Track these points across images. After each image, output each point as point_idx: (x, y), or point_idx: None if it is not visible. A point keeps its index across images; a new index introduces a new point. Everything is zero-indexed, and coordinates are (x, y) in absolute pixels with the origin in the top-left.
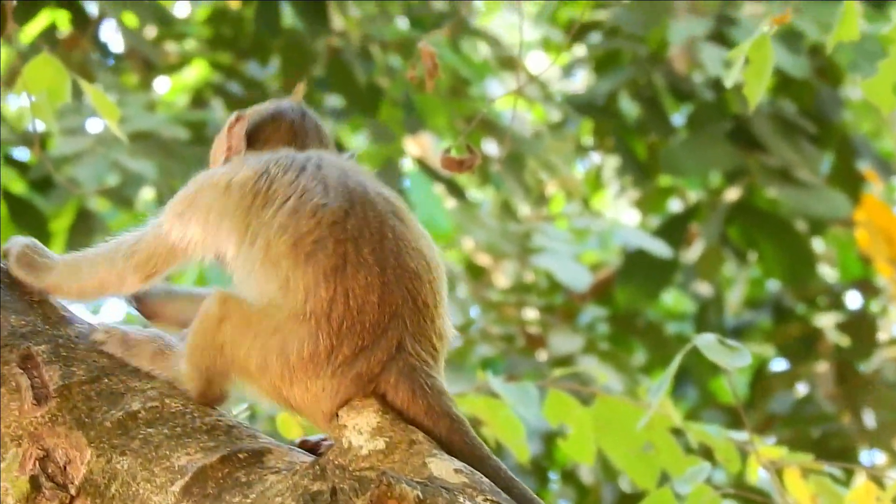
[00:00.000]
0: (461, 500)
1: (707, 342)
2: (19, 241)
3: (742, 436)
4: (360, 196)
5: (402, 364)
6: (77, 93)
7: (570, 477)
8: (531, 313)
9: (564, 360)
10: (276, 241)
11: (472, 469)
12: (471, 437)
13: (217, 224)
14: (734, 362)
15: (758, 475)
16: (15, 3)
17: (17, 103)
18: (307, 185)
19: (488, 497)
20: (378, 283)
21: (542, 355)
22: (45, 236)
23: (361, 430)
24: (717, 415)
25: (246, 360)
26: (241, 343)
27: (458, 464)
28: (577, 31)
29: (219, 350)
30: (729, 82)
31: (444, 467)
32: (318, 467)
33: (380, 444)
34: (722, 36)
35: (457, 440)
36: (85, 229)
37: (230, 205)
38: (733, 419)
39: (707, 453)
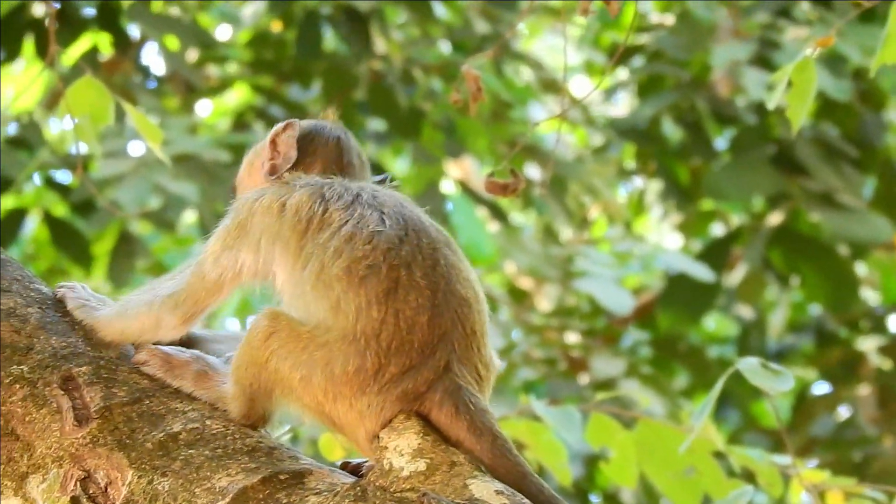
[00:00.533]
0: None
1: (750, 366)
2: (69, 288)
3: (784, 459)
4: (415, 223)
5: (447, 383)
6: (119, 115)
7: (611, 500)
8: (573, 337)
9: (606, 384)
10: (329, 265)
11: (512, 491)
12: (513, 455)
13: (270, 248)
14: (777, 386)
15: (800, 499)
16: (57, 25)
17: (58, 126)
18: (363, 212)
19: None
20: (428, 305)
21: (583, 379)
22: (86, 259)
23: (402, 452)
24: (759, 438)
25: (290, 374)
26: (288, 356)
27: (499, 485)
28: (621, 55)
29: (264, 364)
30: (771, 105)
31: (485, 489)
32: (359, 489)
33: (421, 465)
34: (765, 60)
35: (499, 457)
36: (126, 252)
37: (284, 228)
38: (775, 442)
39: (749, 477)
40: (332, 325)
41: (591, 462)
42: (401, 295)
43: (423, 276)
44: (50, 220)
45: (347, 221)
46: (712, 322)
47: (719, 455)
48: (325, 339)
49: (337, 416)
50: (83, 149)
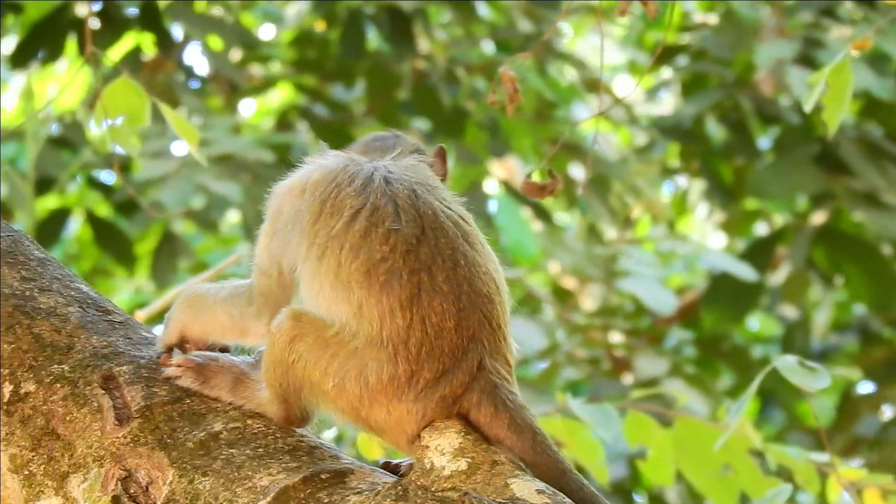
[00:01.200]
0: None
1: (787, 364)
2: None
3: (822, 457)
4: (431, 221)
5: (483, 383)
6: (161, 116)
7: (656, 500)
8: (617, 337)
9: (650, 384)
10: (347, 264)
11: (553, 490)
12: (553, 452)
13: (290, 231)
14: (814, 384)
15: (839, 497)
16: (98, 26)
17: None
18: (376, 202)
19: None
20: (454, 310)
21: (627, 379)
22: (129, 259)
23: (444, 451)
24: (802, 438)
25: (322, 380)
26: (317, 363)
27: (540, 484)
28: (665, 55)
29: (290, 366)
30: (808, 107)
31: (526, 487)
32: (400, 488)
33: (462, 464)
34: (808, 59)
35: (540, 454)
36: (169, 252)
37: (303, 209)
38: (819, 442)
39: (788, 475)
40: (357, 329)
41: (634, 462)
42: (425, 301)
43: (444, 279)
44: (93, 219)
45: (359, 211)
46: (756, 322)
47: (757, 453)
48: (354, 346)
49: (374, 421)
50: (121, 149)
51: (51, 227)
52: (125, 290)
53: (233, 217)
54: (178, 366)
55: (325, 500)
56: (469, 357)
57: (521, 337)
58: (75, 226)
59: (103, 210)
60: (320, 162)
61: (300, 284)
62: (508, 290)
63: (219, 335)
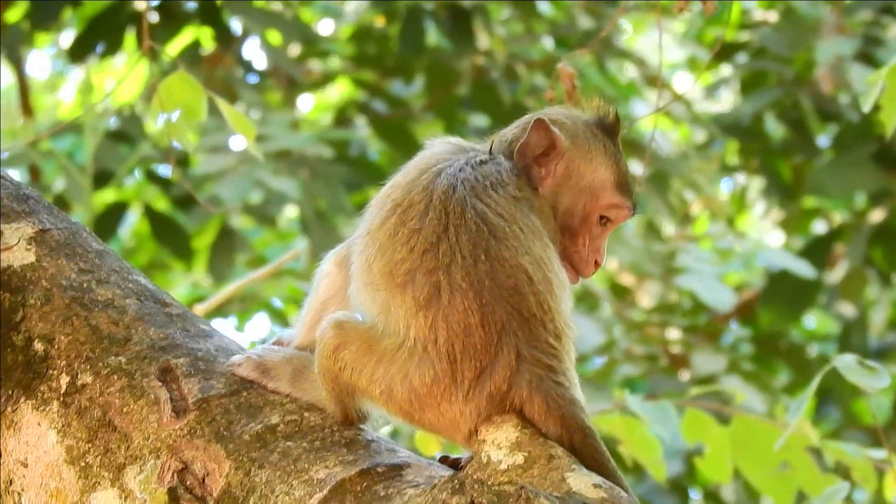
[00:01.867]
0: None
1: (846, 363)
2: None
3: (880, 454)
4: (456, 217)
5: (528, 376)
6: (219, 111)
7: (712, 497)
8: (674, 333)
9: (707, 381)
10: (374, 264)
11: (610, 484)
12: (601, 452)
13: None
14: (873, 384)
15: None
16: (156, 20)
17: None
18: (413, 198)
19: None
20: (476, 307)
21: (684, 375)
22: (187, 253)
23: (500, 445)
24: (859, 436)
25: (369, 388)
26: (363, 371)
27: (597, 478)
28: (724, 52)
29: (338, 373)
30: (866, 108)
31: (582, 482)
32: (456, 481)
33: (519, 458)
34: (868, 56)
35: (588, 454)
36: (227, 247)
37: (372, 201)
38: (876, 440)
39: (845, 473)
40: (386, 329)
41: (691, 458)
42: (444, 299)
43: (463, 277)
44: (151, 213)
45: (397, 208)
46: (813, 320)
47: (814, 451)
48: (394, 352)
49: (427, 422)
50: (178, 144)
51: (108, 221)
52: (182, 285)
53: (290, 212)
54: (242, 359)
55: (382, 494)
56: (504, 351)
57: (579, 334)
58: (133, 220)
59: (161, 204)
60: (433, 144)
61: (351, 278)
62: (554, 281)
63: None
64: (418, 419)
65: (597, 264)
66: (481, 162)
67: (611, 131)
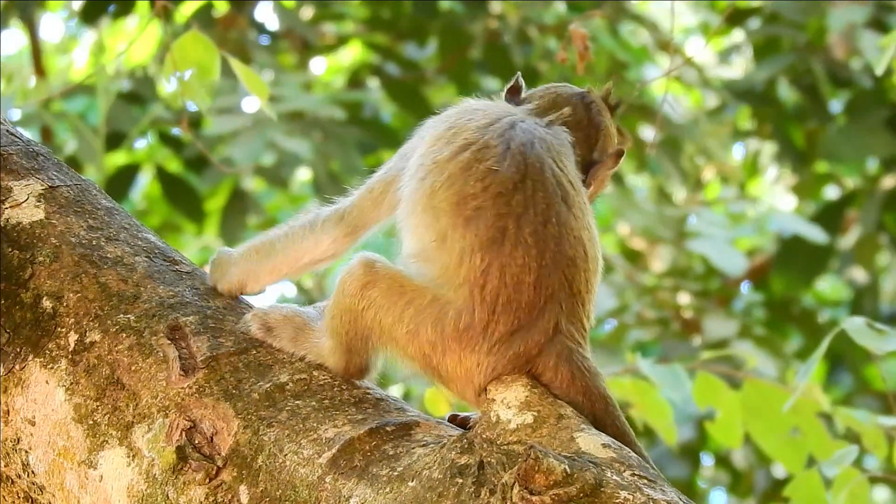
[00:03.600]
0: (609, 474)
1: (856, 326)
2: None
3: (891, 421)
4: (535, 172)
5: (559, 347)
6: (233, 73)
7: (723, 462)
8: (685, 298)
9: (719, 345)
10: (441, 191)
11: (620, 444)
12: (622, 422)
13: (413, 148)
14: (883, 346)
15: None
16: None
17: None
18: (490, 140)
19: (636, 472)
20: (535, 266)
21: (696, 340)
22: (199, 215)
23: (510, 405)
24: (871, 402)
25: (394, 327)
26: (390, 309)
27: (606, 438)
28: (737, 18)
29: (360, 313)
30: (879, 70)
31: (592, 442)
32: (465, 441)
33: (528, 418)
34: (881, 23)
35: (609, 423)
36: (239, 209)
37: (432, 132)
38: (887, 406)
39: (856, 439)
40: (436, 258)
41: (702, 424)
42: (507, 248)
43: (531, 232)
44: (163, 175)
45: (470, 146)
46: (826, 286)
47: (825, 416)
48: (433, 294)
49: (444, 369)
50: (191, 104)
51: (120, 183)
52: (193, 248)
53: (303, 175)
54: (252, 316)
55: (391, 453)
56: (546, 317)
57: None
58: (144, 182)
59: (173, 166)
60: (475, 101)
61: (399, 202)
62: (600, 260)
63: (296, 268)
64: (435, 364)
65: None
66: (551, 123)
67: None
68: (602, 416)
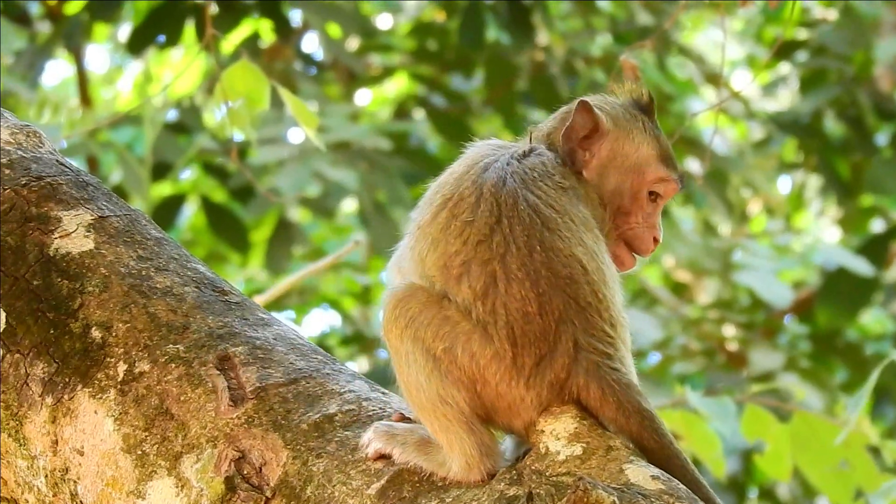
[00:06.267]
0: None
1: None
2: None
3: None
4: (509, 210)
5: (585, 364)
6: (278, 103)
7: (768, 494)
8: (731, 330)
9: (764, 378)
10: (428, 258)
11: (668, 476)
12: (661, 434)
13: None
14: None
15: None
16: (216, 10)
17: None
18: (463, 192)
19: None
20: (534, 296)
21: (741, 372)
22: (244, 246)
23: (559, 436)
24: None
25: (434, 343)
26: (430, 324)
27: (655, 470)
28: (783, 50)
29: (402, 332)
30: None
31: (641, 474)
32: (514, 472)
33: (577, 449)
34: None
35: (647, 436)
36: (284, 239)
37: (421, 200)
38: None
39: None
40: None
41: (748, 456)
42: (502, 288)
43: (519, 266)
44: (208, 205)
45: (448, 202)
46: (871, 320)
47: (874, 450)
48: (461, 317)
49: (487, 398)
50: (239, 134)
51: (166, 213)
52: (238, 279)
53: (348, 207)
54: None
55: (440, 484)
56: (563, 339)
57: (636, 329)
58: (190, 212)
59: (219, 196)
60: (475, 144)
61: (405, 276)
62: (606, 271)
63: None
64: (479, 392)
65: (655, 241)
66: (524, 154)
67: (647, 110)
68: (637, 430)
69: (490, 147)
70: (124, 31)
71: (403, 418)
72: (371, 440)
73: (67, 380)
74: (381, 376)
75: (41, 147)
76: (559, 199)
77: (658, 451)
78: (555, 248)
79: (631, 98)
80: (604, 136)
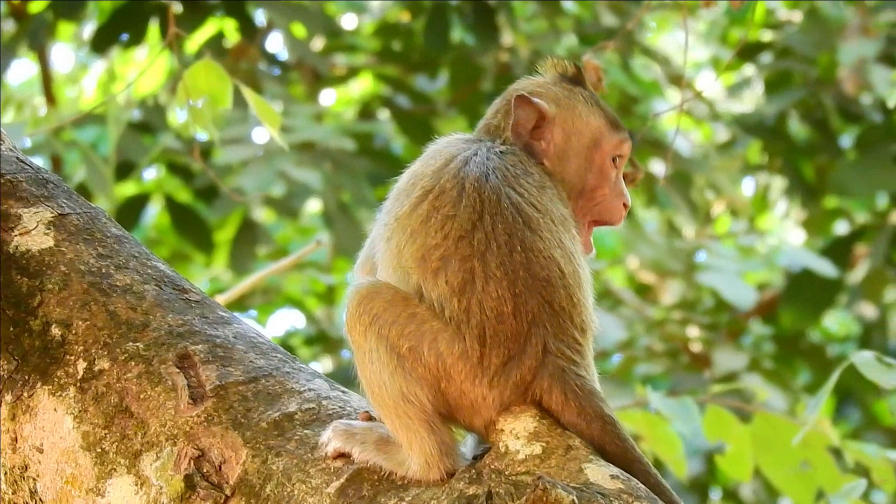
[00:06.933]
0: None
1: (864, 360)
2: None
3: None
4: (492, 205)
5: (551, 368)
6: (243, 103)
7: (731, 496)
8: (694, 331)
9: (728, 379)
10: (406, 249)
11: (628, 475)
12: (622, 439)
13: (386, 207)
14: (892, 380)
15: None
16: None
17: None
18: (444, 185)
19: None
20: (510, 296)
21: (705, 374)
22: (208, 246)
23: (518, 435)
24: (879, 437)
25: (399, 342)
26: (395, 322)
27: (615, 469)
28: (748, 52)
29: (365, 329)
30: (892, 103)
31: (600, 473)
32: (474, 471)
33: (536, 448)
34: (892, 58)
35: (608, 441)
36: (249, 239)
37: (398, 185)
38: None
39: (866, 474)
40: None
41: (712, 458)
42: (479, 286)
43: (498, 265)
44: (172, 205)
45: (428, 194)
46: (834, 323)
47: (837, 453)
48: (428, 316)
49: (451, 396)
50: (201, 134)
51: (130, 213)
52: (202, 279)
53: (313, 207)
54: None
55: (399, 483)
56: (533, 342)
57: (601, 329)
58: (154, 213)
59: (183, 196)
60: (440, 139)
61: (377, 268)
62: (582, 274)
63: None
64: (443, 389)
65: (625, 206)
66: (503, 152)
67: (577, 81)
68: (599, 435)
69: (462, 141)
70: (89, 29)
71: (369, 417)
72: (330, 439)
73: (27, 377)
74: (345, 376)
75: (1, 144)
76: (540, 197)
77: (620, 455)
78: (535, 249)
79: (558, 73)
80: (552, 121)
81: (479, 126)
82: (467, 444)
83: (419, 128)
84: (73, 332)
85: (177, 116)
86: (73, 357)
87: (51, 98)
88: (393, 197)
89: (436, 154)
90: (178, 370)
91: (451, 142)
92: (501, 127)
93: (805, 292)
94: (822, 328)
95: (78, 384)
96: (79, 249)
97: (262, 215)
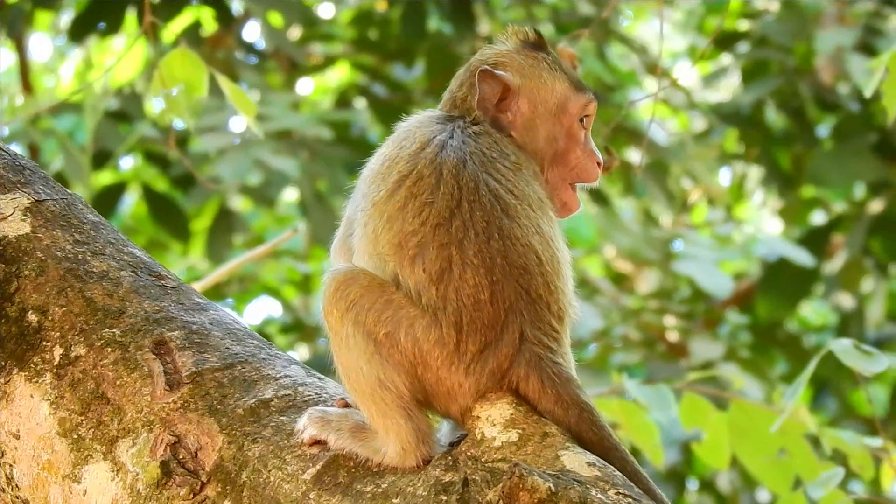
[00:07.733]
0: (593, 493)
1: (842, 347)
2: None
3: (877, 442)
4: (470, 192)
5: (528, 355)
6: (220, 91)
7: (708, 486)
8: (671, 320)
9: (705, 367)
10: (382, 235)
11: (604, 462)
12: (599, 426)
13: (359, 190)
14: (870, 368)
15: (893, 483)
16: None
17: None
18: (422, 170)
19: (620, 491)
20: (487, 283)
21: (682, 363)
22: (185, 234)
23: (495, 422)
24: (856, 426)
25: (375, 328)
26: (372, 308)
27: (591, 457)
28: (725, 41)
29: (342, 315)
30: (868, 93)
31: (576, 460)
32: (450, 458)
33: (513, 435)
34: (868, 47)
35: (585, 429)
36: (225, 228)
37: (371, 168)
38: (873, 431)
39: (843, 462)
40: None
41: (689, 448)
42: (456, 273)
43: (475, 253)
44: (149, 194)
45: (405, 179)
46: (811, 313)
47: (814, 441)
48: (405, 302)
49: (427, 383)
50: (178, 122)
51: (107, 201)
52: (179, 267)
53: (289, 196)
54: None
55: (375, 470)
56: (510, 329)
57: (577, 320)
58: (131, 202)
59: (160, 185)
60: (411, 119)
61: (353, 253)
62: (560, 259)
63: None
64: (420, 375)
65: (599, 165)
66: (476, 133)
67: (539, 47)
68: (576, 422)
69: (433, 121)
70: (66, 18)
71: (346, 404)
72: (306, 426)
73: (3, 363)
74: (322, 365)
75: None
76: (518, 182)
77: (597, 443)
78: (512, 237)
79: (520, 41)
80: (517, 92)
81: (444, 98)
82: (443, 431)
83: (396, 117)
84: (50, 318)
85: (153, 105)
86: (49, 343)
87: (28, 87)
88: (368, 180)
89: (408, 136)
90: (154, 356)
91: (423, 122)
92: (467, 100)
93: (782, 282)
94: (799, 318)
95: (54, 370)
96: (55, 236)
97: (239, 204)
